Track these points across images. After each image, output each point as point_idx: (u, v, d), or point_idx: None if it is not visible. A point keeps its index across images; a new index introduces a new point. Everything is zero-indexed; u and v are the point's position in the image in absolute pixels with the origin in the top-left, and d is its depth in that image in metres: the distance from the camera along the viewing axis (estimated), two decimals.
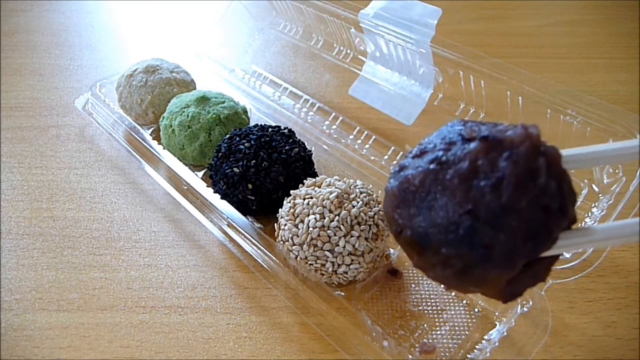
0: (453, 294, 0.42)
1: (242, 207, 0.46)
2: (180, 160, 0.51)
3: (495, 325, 0.40)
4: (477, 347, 0.38)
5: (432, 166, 0.27)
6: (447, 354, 0.38)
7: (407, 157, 0.29)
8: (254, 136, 0.46)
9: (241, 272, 0.46)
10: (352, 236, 0.39)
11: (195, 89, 0.61)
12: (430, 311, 0.41)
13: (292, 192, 0.42)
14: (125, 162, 0.58)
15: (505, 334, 0.38)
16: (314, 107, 0.62)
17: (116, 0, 0.95)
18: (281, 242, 0.41)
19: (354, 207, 0.40)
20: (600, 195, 0.42)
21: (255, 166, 0.45)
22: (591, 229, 0.26)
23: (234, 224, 0.44)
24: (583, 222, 0.42)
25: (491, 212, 0.25)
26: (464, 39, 0.67)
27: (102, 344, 0.40)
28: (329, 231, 0.39)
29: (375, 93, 0.59)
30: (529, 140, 0.25)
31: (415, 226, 0.27)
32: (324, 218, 0.39)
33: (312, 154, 0.50)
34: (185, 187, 0.48)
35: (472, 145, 0.26)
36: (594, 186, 0.44)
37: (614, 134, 0.41)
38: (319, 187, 0.42)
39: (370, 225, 0.40)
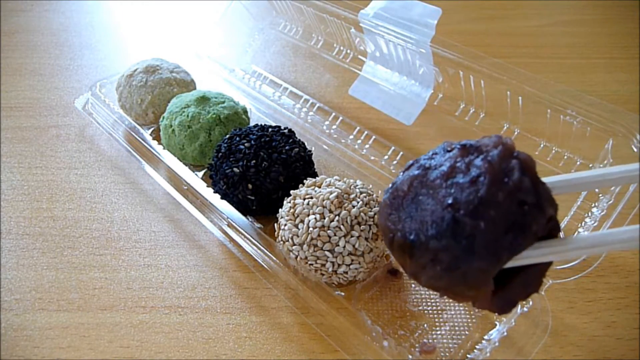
0: None
1: (242, 207, 0.46)
2: (180, 160, 0.51)
3: (495, 325, 0.40)
4: (477, 347, 0.38)
5: (417, 172, 0.30)
6: (447, 354, 0.38)
7: (399, 175, 0.32)
8: (254, 136, 0.46)
9: (241, 272, 0.46)
10: (352, 236, 0.39)
11: (195, 89, 0.61)
12: (430, 311, 0.41)
13: (292, 192, 0.42)
14: (125, 162, 0.58)
15: (505, 334, 0.38)
16: (314, 107, 0.62)
17: (116, 0, 0.95)
18: (281, 242, 0.41)
19: (354, 207, 0.40)
20: (600, 195, 0.42)
21: (255, 166, 0.45)
22: (576, 238, 0.28)
23: (234, 224, 0.44)
24: (583, 222, 0.42)
25: (470, 204, 0.27)
26: (464, 39, 0.67)
27: (102, 344, 0.40)
28: (329, 231, 0.39)
29: (375, 93, 0.59)
30: (502, 145, 0.28)
31: (405, 228, 0.29)
32: (324, 218, 0.39)
33: (312, 154, 0.50)
34: (185, 187, 0.48)
35: (452, 152, 0.30)
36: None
37: (614, 134, 0.42)
38: (319, 187, 0.42)
39: (370, 225, 0.40)
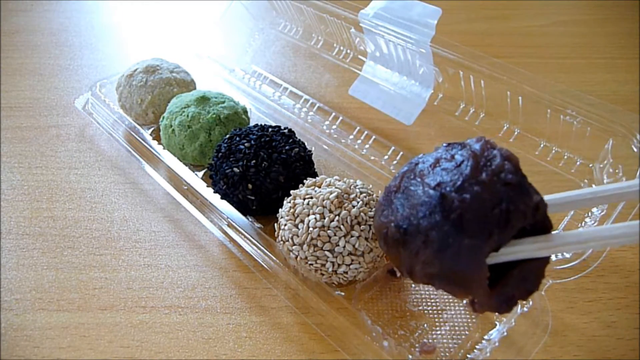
0: None
1: (242, 207, 0.46)
2: (180, 160, 0.51)
3: (495, 325, 0.40)
4: (477, 347, 0.38)
5: (406, 168, 0.32)
6: (447, 354, 0.38)
7: None
8: (254, 136, 0.46)
9: (241, 272, 0.46)
10: (352, 236, 0.39)
11: (195, 89, 0.61)
12: (430, 311, 0.41)
13: (292, 192, 0.42)
14: (125, 162, 0.58)
15: (505, 334, 0.38)
16: (314, 107, 0.62)
17: (116, 0, 0.95)
18: (281, 242, 0.41)
19: (354, 207, 0.40)
20: None
21: (255, 166, 0.45)
22: (570, 233, 0.28)
23: (234, 224, 0.44)
24: (583, 222, 0.42)
25: (456, 182, 0.28)
26: (464, 39, 0.67)
27: (102, 344, 0.40)
28: (329, 231, 0.39)
29: (375, 93, 0.59)
30: (484, 140, 0.30)
31: (398, 217, 0.30)
32: (324, 218, 0.39)
33: (312, 154, 0.50)
34: (185, 187, 0.48)
35: (438, 149, 0.32)
36: (594, 186, 0.44)
37: (614, 134, 0.42)
38: (319, 187, 0.42)
39: (370, 225, 0.39)
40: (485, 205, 0.27)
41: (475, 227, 0.27)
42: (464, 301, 0.42)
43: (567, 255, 0.39)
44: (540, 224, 0.29)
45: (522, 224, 0.27)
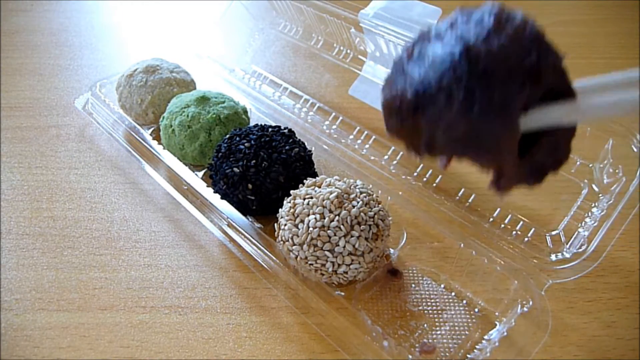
0: (453, 294, 0.42)
1: (242, 207, 0.46)
2: (180, 160, 0.51)
3: (495, 325, 0.40)
4: (477, 347, 0.38)
5: (417, 38, 0.28)
6: (447, 354, 0.38)
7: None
8: (254, 136, 0.46)
9: (241, 272, 0.46)
10: (352, 236, 0.39)
11: (195, 89, 0.61)
12: (430, 311, 0.41)
13: (292, 192, 0.42)
14: (125, 162, 0.58)
15: (505, 334, 0.38)
16: (314, 107, 0.62)
17: (116, 0, 0.95)
18: (281, 242, 0.41)
19: (354, 207, 0.40)
20: (600, 195, 0.42)
21: (255, 166, 0.45)
22: (599, 99, 0.27)
23: (234, 224, 0.44)
24: (583, 222, 0.42)
25: (480, 35, 0.25)
26: None
27: (102, 344, 0.40)
28: (329, 231, 0.39)
29: (375, 93, 0.59)
30: (500, 4, 0.27)
31: (415, 80, 0.26)
32: (324, 218, 0.39)
33: (312, 154, 0.50)
34: (185, 187, 0.48)
35: (451, 15, 0.27)
36: (594, 186, 0.44)
37: (614, 134, 0.42)
38: (319, 187, 0.42)
39: (370, 225, 0.40)
40: (514, 55, 0.24)
41: (506, 77, 0.24)
42: (464, 301, 0.42)
43: (567, 255, 0.40)
44: (566, 92, 0.26)
45: (551, 80, 0.25)
